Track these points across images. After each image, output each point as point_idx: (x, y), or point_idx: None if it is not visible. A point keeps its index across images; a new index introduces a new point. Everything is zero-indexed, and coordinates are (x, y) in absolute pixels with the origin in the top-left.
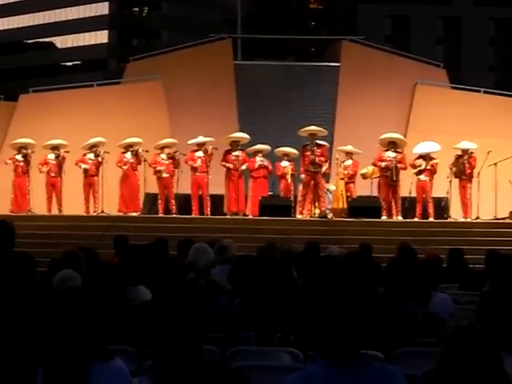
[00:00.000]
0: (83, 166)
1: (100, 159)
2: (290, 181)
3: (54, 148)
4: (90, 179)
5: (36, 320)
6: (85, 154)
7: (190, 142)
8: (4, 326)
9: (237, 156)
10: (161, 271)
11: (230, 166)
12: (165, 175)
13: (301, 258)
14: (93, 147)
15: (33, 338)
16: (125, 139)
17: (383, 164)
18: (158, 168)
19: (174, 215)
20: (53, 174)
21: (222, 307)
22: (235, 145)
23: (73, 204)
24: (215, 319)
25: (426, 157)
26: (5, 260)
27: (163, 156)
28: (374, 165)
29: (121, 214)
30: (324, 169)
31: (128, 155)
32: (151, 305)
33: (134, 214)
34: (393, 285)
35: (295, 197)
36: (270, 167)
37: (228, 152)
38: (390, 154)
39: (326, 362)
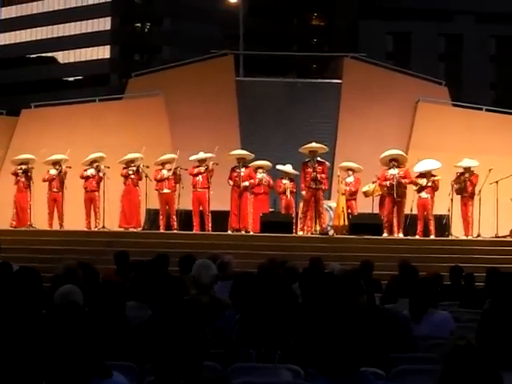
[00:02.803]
0: (87, 173)
1: (101, 174)
2: (289, 197)
3: (55, 163)
4: (91, 194)
5: (37, 335)
6: (85, 170)
7: (191, 158)
8: (7, 341)
9: (239, 173)
10: (159, 288)
11: (231, 182)
12: (166, 191)
13: (305, 275)
14: (93, 162)
15: (33, 353)
16: (126, 155)
17: (388, 183)
18: (160, 177)
19: (175, 231)
20: (55, 189)
21: (226, 321)
22: (240, 161)
23: (74, 219)
24: (218, 334)
25: (427, 174)
26: (12, 275)
27: (164, 172)
28: (379, 185)
29: (122, 229)
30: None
31: (129, 171)
32: (152, 321)
33: (135, 230)
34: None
35: (296, 214)
36: (272, 182)
37: (233, 169)
38: (392, 172)
39: (326, 380)
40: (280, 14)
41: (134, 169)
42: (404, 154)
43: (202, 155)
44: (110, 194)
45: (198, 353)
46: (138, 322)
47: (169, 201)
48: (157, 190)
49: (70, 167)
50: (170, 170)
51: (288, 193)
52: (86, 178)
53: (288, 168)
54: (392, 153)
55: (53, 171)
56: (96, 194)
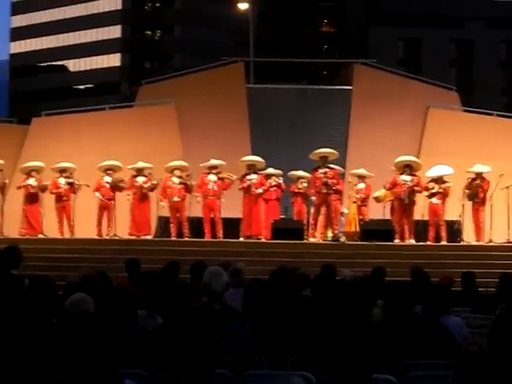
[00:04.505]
0: (97, 194)
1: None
2: (301, 203)
3: (63, 171)
4: (106, 202)
5: (48, 344)
6: (102, 178)
7: (201, 164)
8: (19, 349)
9: (250, 180)
10: (170, 295)
11: (242, 189)
12: (176, 199)
13: (317, 282)
14: (108, 170)
15: (45, 362)
16: (137, 163)
17: (397, 188)
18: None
19: (187, 238)
20: (64, 198)
21: (234, 331)
22: (251, 168)
23: (84, 227)
24: (230, 342)
25: (438, 180)
26: (29, 284)
27: (174, 179)
28: (388, 189)
29: (133, 237)
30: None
31: (140, 179)
32: (163, 329)
33: (147, 238)
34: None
35: (308, 220)
36: (284, 186)
37: (243, 176)
38: (405, 178)
39: None
40: (290, 20)
41: (145, 179)
42: (419, 162)
43: (213, 162)
44: (122, 201)
45: (209, 360)
46: (147, 331)
47: (179, 208)
48: (167, 199)
49: (88, 186)
50: (180, 177)
51: (302, 186)
52: (101, 187)
53: (301, 172)
54: (407, 159)
55: (61, 180)
56: (112, 202)
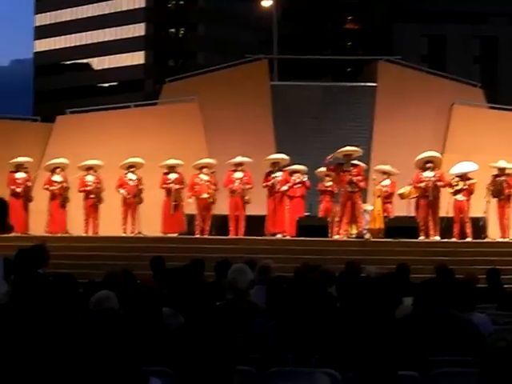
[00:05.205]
0: (121, 191)
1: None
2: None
3: (89, 168)
4: (130, 199)
5: (73, 341)
6: (125, 175)
7: (227, 162)
8: (44, 347)
9: (275, 177)
10: (192, 294)
11: (267, 187)
12: (205, 196)
13: (342, 279)
14: (130, 167)
15: (69, 359)
16: (161, 160)
17: (422, 185)
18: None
19: (211, 236)
20: (92, 196)
21: (260, 328)
22: (275, 166)
23: (109, 225)
24: (255, 339)
25: (463, 177)
26: (50, 282)
27: (202, 176)
28: (414, 187)
29: (162, 235)
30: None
31: (171, 176)
32: (186, 326)
33: (172, 236)
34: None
35: (333, 217)
36: (308, 183)
37: (268, 174)
38: (428, 174)
39: None
40: (314, 17)
41: (177, 175)
42: (439, 156)
43: (239, 159)
44: (146, 199)
45: (230, 358)
46: (171, 328)
47: (207, 206)
48: (194, 195)
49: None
50: (208, 174)
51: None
52: (125, 184)
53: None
54: (427, 155)
55: (90, 177)
56: (136, 199)
